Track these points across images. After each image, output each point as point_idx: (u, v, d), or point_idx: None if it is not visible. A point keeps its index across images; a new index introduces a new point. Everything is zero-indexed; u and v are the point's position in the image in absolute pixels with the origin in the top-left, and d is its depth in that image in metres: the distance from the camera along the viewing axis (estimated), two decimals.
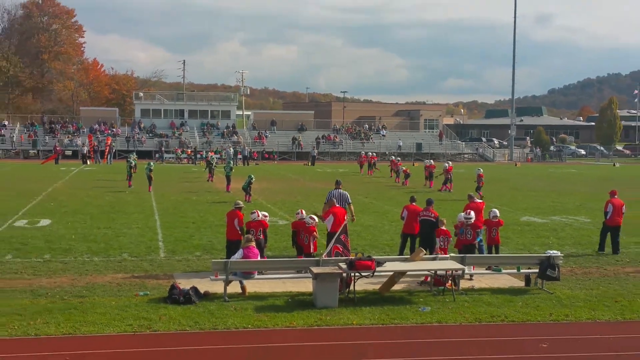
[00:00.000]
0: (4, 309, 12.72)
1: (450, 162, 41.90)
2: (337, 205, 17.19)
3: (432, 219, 17.16)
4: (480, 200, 19.80)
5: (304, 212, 17.07)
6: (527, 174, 55.04)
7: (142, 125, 78.92)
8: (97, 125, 76.58)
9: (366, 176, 50.52)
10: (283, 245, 19.22)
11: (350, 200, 18.56)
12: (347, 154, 76.61)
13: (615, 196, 20.08)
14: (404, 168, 43.84)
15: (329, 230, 16.59)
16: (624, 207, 19.74)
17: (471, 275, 15.65)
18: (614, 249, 19.30)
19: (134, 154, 42.01)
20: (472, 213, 16.60)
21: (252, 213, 16.74)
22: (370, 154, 55.36)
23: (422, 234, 17.14)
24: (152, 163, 39.32)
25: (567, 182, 47.47)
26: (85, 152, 63.39)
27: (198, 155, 64.77)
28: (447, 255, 15.41)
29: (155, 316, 12.43)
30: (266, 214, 17.27)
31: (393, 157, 51.45)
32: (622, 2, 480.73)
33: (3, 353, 10.48)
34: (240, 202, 17.41)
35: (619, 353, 11.04)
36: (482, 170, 36.28)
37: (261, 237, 16.04)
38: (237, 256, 14.60)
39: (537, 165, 72.01)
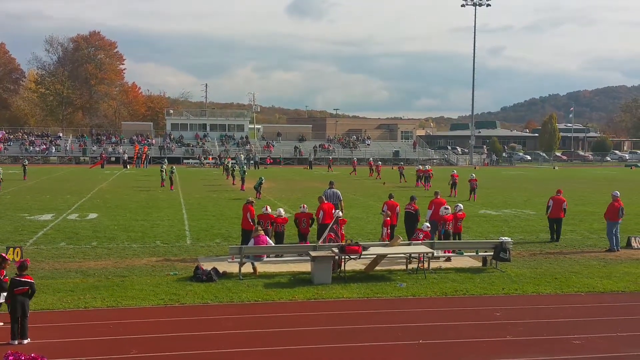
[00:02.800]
0: (59, 286, 12.72)
1: (455, 170, 38.91)
2: (326, 202, 17.18)
3: (413, 211, 17.73)
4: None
5: (306, 206, 17.07)
6: (484, 176, 55.03)
7: (172, 137, 78.71)
8: (135, 137, 76.48)
9: (374, 179, 47.11)
10: (287, 233, 19.17)
11: (341, 198, 18.57)
12: (339, 159, 76.45)
13: (560, 194, 19.74)
14: (424, 168, 42.27)
15: (319, 223, 16.57)
16: (564, 203, 19.38)
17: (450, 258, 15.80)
18: (556, 237, 19.10)
19: (166, 161, 41.98)
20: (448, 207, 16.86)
21: (263, 208, 16.81)
22: (380, 163, 52.29)
23: (406, 222, 17.61)
24: (174, 167, 40.25)
25: (516, 182, 47.53)
26: (126, 158, 63.23)
27: (219, 161, 64.48)
28: (420, 241, 15.41)
29: (183, 292, 12.43)
30: (282, 211, 17.06)
31: (378, 162, 51.36)
32: (557, 34, 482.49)
33: (59, 322, 10.47)
34: (252, 199, 17.41)
35: (557, 320, 11.06)
36: (455, 171, 36.04)
37: (269, 227, 16.05)
38: (250, 243, 14.63)
39: (492, 169, 72.07)
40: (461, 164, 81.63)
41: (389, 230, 16.87)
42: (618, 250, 17.76)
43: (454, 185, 33.80)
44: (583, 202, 19.20)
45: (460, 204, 17.40)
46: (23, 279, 9.64)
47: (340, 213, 16.64)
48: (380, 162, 51.63)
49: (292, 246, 16.09)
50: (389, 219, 16.90)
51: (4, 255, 10.30)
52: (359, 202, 29.93)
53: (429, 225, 16.16)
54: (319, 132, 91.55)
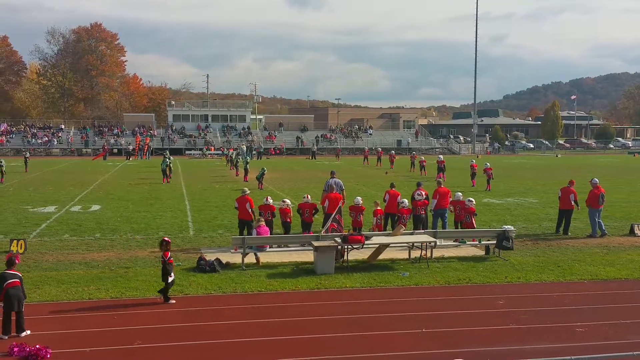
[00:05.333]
0: (63, 278, 12.75)
1: (474, 160, 36.97)
2: (334, 192, 17.19)
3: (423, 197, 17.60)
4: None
5: (309, 196, 17.07)
6: (491, 165, 54.93)
7: (174, 128, 78.68)
8: (137, 128, 76.45)
9: (382, 169, 46.82)
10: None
11: (343, 187, 18.53)
12: (342, 149, 76.41)
13: (571, 185, 18.65)
14: (422, 159, 42.94)
15: (325, 212, 16.58)
16: (572, 195, 18.30)
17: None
18: (565, 229, 18.27)
19: (168, 152, 40.97)
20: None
21: (264, 199, 16.79)
22: (393, 152, 52.71)
23: (414, 209, 17.25)
24: (169, 157, 37.52)
25: (519, 170, 47.43)
26: (130, 150, 63.18)
27: (222, 152, 64.35)
28: (422, 231, 15.43)
29: (186, 282, 12.46)
30: (286, 200, 17.09)
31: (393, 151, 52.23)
32: (559, 22, 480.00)
33: (64, 314, 10.50)
34: (247, 189, 16.95)
35: (560, 307, 11.07)
36: (474, 161, 35.39)
37: (270, 218, 16.03)
38: (252, 234, 14.64)
39: (495, 157, 71.89)
40: (463, 153, 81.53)
41: (379, 221, 16.80)
42: (600, 236, 17.73)
43: (473, 175, 33.39)
44: (585, 190, 19.11)
45: (459, 193, 17.41)
46: (12, 272, 9.59)
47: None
48: (393, 152, 52.49)
49: (295, 236, 16.09)
50: (379, 208, 16.83)
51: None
52: (362, 191, 29.89)
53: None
54: (321, 122, 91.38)
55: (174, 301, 11.19)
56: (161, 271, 11.31)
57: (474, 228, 16.33)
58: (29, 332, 9.46)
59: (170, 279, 11.13)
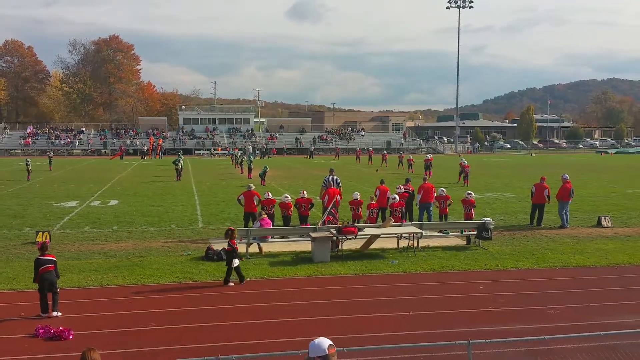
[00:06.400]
0: (84, 266, 12.72)
1: (464, 160, 35.54)
2: (332, 188, 17.18)
3: (409, 192, 17.79)
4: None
5: (305, 192, 17.05)
6: (468, 162, 54.97)
7: (184, 130, 78.51)
8: (151, 130, 76.24)
9: (373, 166, 46.26)
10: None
11: (340, 184, 18.54)
12: (345, 149, 76.11)
13: (543, 181, 18.54)
14: (410, 157, 42.38)
15: (324, 206, 16.57)
16: (546, 190, 18.15)
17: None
18: (538, 221, 18.22)
19: (181, 153, 40.38)
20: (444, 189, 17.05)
21: (265, 194, 16.78)
22: (386, 152, 52.83)
23: (406, 202, 17.34)
24: (181, 157, 37.07)
25: (497, 168, 47.44)
26: (145, 150, 63.05)
27: (228, 152, 64.32)
28: (409, 223, 15.42)
29: (195, 270, 12.44)
30: (288, 196, 17.07)
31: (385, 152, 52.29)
32: (533, 33, 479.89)
33: (85, 298, 10.48)
34: (252, 185, 17.13)
35: (534, 292, 11.08)
36: (465, 160, 33.93)
37: (272, 211, 16.02)
38: (256, 226, 14.62)
39: (475, 156, 71.92)
40: (447, 152, 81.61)
41: (372, 214, 16.75)
42: (559, 227, 17.74)
43: (461, 173, 32.75)
44: (557, 185, 19.13)
45: (443, 188, 17.42)
46: (47, 257, 9.68)
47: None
48: (386, 152, 52.63)
49: (294, 228, 16.07)
50: (373, 202, 16.76)
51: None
52: (355, 187, 29.86)
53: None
54: (318, 124, 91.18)
55: (233, 284, 11.29)
56: (226, 256, 11.50)
57: (472, 219, 16.13)
58: (60, 313, 9.46)
59: (235, 264, 11.30)
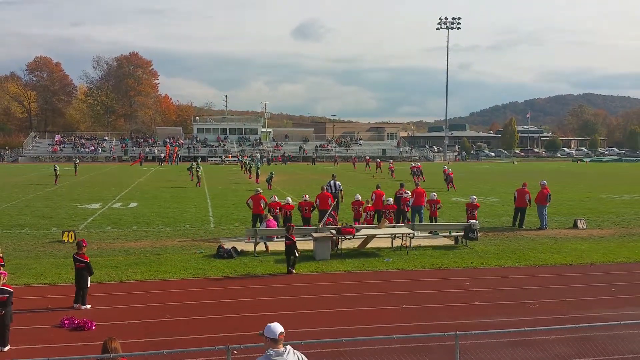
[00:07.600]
0: (105, 263, 12.72)
1: (449, 167, 34.96)
2: (323, 192, 17.07)
3: (404, 195, 17.66)
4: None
5: (307, 196, 17.04)
6: (456, 169, 54.92)
7: (198, 139, 78.61)
8: (167, 139, 76.33)
9: (370, 173, 46.08)
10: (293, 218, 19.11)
11: (341, 188, 18.59)
12: (339, 156, 76.12)
13: (524, 187, 18.44)
14: (391, 165, 42.70)
15: (318, 209, 16.56)
16: (528, 195, 18.11)
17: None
18: (520, 224, 18.10)
19: (199, 161, 40.30)
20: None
21: (271, 197, 16.77)
22: (379, 160, 52.29)
23: (396, 204, 17.26)
24: (199, 164, 37.53)
25: (482, 174, 47.41)
26: (162, 157, 63.11)
27: (238, 159, 64.27)
28: (402, 224, 15.40)
29: (208, 267, 12.43)
30: (289, 199, 17.06)
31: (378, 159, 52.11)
32: (515, 52, 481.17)
33: (106, 292, 10.48)
34: (259, 189, 17.16)
35: (516, 288, 11.06)
36: (448, 168, 33.55)
37: (277, 213, 16.01)
38: (262, 226, 14.62)
39: (463, 164, 71.89)
40: (437, 160, 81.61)
41: (368, 216, 16.73)
42: (537, 229, 17.65)
43: (447, 179, 32.12)
44: (537, 190, 19.10)
45: (434, 193, 17.40)
46: (79, 257, 9.71)
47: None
48: (379, 160, 52.51)
49: (298, 228, 16.05)
50: (370, 205, 16.79)
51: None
52: (353, 191, 29.82)
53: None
54: (320, 134, 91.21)
55: (295, 272, 11.85)
56: (287, 249, 11.91)
57: (476, 219, 16.00)
58: (89, 306, 9.48)
59: (296, 254, 11.85)
